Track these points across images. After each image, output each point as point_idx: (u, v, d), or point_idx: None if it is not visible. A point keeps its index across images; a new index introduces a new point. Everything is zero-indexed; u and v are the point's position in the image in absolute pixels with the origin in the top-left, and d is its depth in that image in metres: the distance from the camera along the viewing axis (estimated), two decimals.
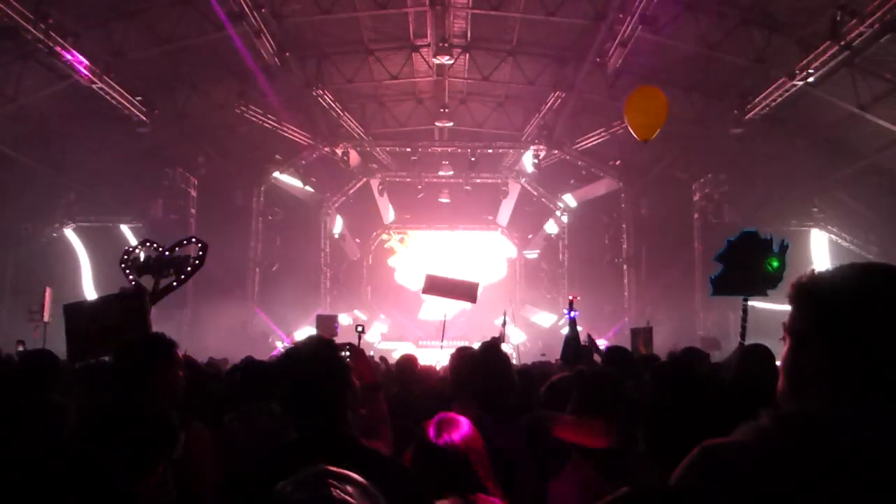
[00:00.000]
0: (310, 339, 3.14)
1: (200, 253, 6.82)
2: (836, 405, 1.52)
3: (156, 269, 6.69)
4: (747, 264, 6.13)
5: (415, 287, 26.71)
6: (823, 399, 1.54)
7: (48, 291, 15.57)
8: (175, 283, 6.71)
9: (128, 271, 6.79)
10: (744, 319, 6.27)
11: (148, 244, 7.09)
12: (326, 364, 2.78)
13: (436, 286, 14.79)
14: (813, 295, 1.65)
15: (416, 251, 29.55)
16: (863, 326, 1.56)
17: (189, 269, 6.73)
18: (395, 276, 29.32)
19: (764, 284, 6.06)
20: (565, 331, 8.83)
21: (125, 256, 6.93)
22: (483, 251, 29.37)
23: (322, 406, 2.71)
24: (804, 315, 1.65)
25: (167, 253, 6.81)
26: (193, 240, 7.17)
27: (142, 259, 6.84)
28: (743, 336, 6.53)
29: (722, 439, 1.58)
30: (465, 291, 14.91)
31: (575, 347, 8.04)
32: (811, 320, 1.63)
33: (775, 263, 6.14)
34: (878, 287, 1.60)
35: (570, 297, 9.13)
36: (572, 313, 8.76)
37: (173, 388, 3.76)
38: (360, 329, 10.07)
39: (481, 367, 4.04)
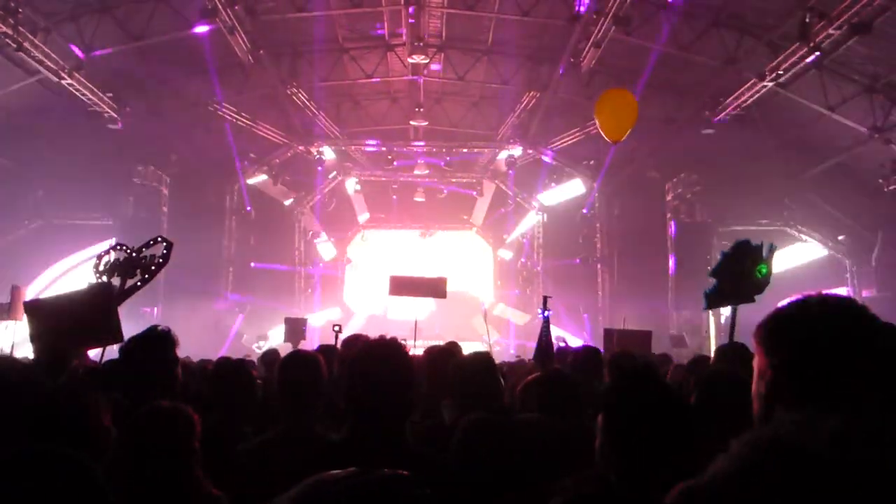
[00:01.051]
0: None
1: (165, 251, 6.81)
2: (809, 427, 1.54)
3: (123, 269, 6.68)
4: (739, 273, 6.20)
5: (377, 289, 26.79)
6: (795, 423, 1.56)
7: (20, 290, 15.30)
8: (139, 283, 6.70)
9: (99, 276, 6.78)
10: (732, 326, 6.31)
11: (118, 247, 7.08)
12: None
13: (402, 286, 14.74)
14: (777, 337, 1.74)
15: (381, 251, 29.49)
16: (831, 357, 1.66)
17: (153, 267, 6.73)
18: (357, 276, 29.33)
19: (752, 290, 6.14)
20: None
21: (97, 261, 6.93)
22: (457, 251, 29.40)
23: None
24: (773, 354, 1.73)
25: (135, 254, 6.80)
26: (160, 239, 7.15)
27: (111, 263, 6.83)
28: (731, 339, 6.61)
29: (700, 479, 1.53)
30: (433, 288, 14.87)
31: (547, 347, 8.04)
32: (780, 360, 1.71)
33: (764, 269, 6.23)
34: (835, 323, 1.70)
35: (544, 297, 9.11)
36: (546, 313, 8.73)
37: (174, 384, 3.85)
38: (336, 329, 10.03)
39: (470, 370, 4.04)
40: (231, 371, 4.74)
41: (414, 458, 2.66)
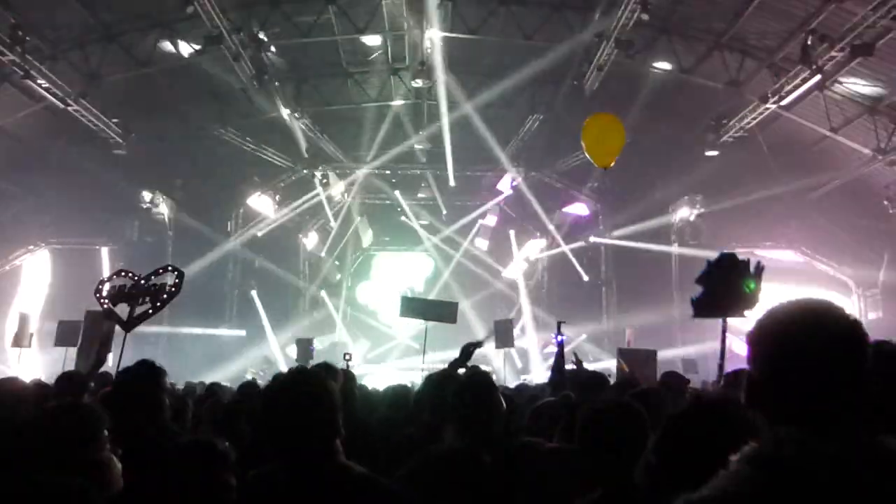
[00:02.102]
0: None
1: (177, 280, 6.84)
2: (807, 446, 1.52)
3: (131, 296, 6.69)
4: (726, 286, 6.23)
5: (387, 309, 26.74)
6: (794, 441, 1.54)
7: (28, 318, 15.33)
8: (150, 311, 6.72)
9: (103, 301, 6.79)
10: (723, 340, 6.32)
11: (123, 273, 7.09)
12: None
13: (412, 308, 14.56)
14: (765, 340, 1.69)
15: (388, 273, 29.48)
16: (814, 365, 1.61)
17: (165, 296, 6.75)
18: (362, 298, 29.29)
19: (742, 305, 6.15)
20: (550, 350, 8.78)
21: (100, 286, 6.93)
22: (463, 273, 29.35)
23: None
24: (760, 360, 1.69)
25: (143, 281, 6.81)
26: (170, 268, 7.18)
27: (117, 288, 6.84)
28: (722, 357, 6.59)
29: (704, 493, 1.55)
30: (444, 312, 14.67)
31: (563, 372, 7.94)
32: (768, 365, 1.67)
33: (752, 285, 6.24)
34: (821, 327, 1.66)
35: (558, 322, 8.98)
36: (560, 338, 8.62)
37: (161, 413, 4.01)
38: (347, 357, 10.03)
39: (467, 395, 3.96)
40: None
41: (352, 479, 2.75)
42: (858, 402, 1.61)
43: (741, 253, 6.54)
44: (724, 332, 6.34)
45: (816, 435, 1.54)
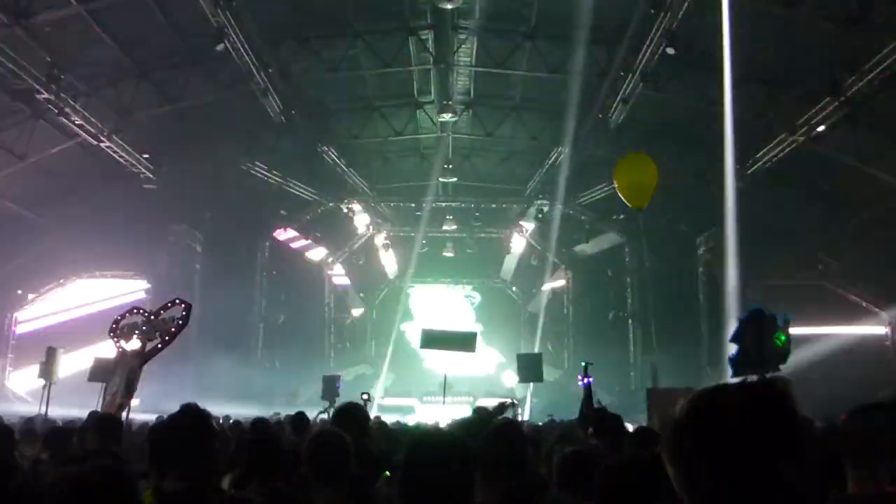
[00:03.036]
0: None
1: (184, 313, 6.93)
2: None
3: (143, 332, 6.79)
4: (759, 341, 6.21)
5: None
6: None
7: (56, 351, 15.44)
8: (160, 346, 6.81)
9: (116, 339, 6.89)
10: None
11: (136, 311, 7.20)
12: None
13: (433, 339, 14.72)
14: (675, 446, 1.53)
15: (418, 306, 29.48)
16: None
17: (173, 329, 6.84)
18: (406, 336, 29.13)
19: (777, 359, 6.14)
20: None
21: (114, 325, 7.04)
22: (486, 305, 29.31)
23: None
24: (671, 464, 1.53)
25: (153, 317, 6.91)
26: (178, 301, 7.27)
27: (128, 327, 6.95)
28: None
29: None
30: (464, 342, 14.78)
31: (591, 414, 7.77)
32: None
33: (783, 338, 6.22)
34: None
35: (585, 364, 8.85)
36: (587, 379, 8.49)
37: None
38: (365, 397, 9.98)
39: (494, 445, 3.88)
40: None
41: None
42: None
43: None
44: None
45: None
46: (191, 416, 3.60)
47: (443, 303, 29.34)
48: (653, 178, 13.20)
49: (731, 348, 6.41)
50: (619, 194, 13.76)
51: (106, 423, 5.28)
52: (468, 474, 2.71)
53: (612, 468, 3.08)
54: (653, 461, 3.06)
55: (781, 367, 6.01)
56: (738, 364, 6.34)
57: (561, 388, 23.10)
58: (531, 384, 18.05)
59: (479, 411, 5.52)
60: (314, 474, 3.85)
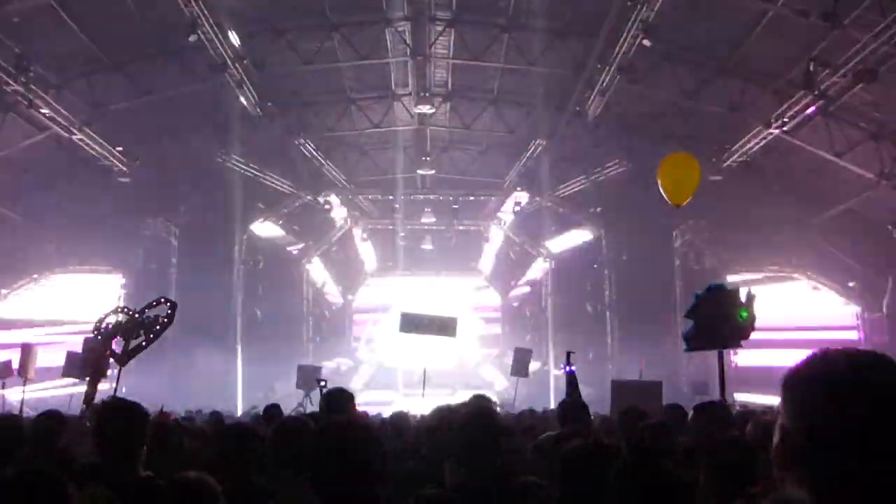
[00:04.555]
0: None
1: (169, 312, 6.86)
2: None
3: (126, 331, 6.71)
4: (717, 317, 6.19)
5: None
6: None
7: (32, 348, 15.20)
8: (144, 344, 6.74)
9: (99, 337, 6.80)
10: (721, 371, 6.27)
11: (119, 309, 7.12)
12: None
13: (412, 323, 14.61)
14: (801, 393, 1.52)
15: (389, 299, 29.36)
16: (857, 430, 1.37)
17: (158, 327, 6.77)
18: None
19: (738, 335, 6.11)
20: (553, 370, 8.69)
21: (97, 324, 6.95)
22: (465, 298, 29.28)
23: None
24: (791, 414, 1.52)
25: (137, 315, 6.83)
26: (163, 300, 7.20)
27: (112, 325, 6.86)
28: (722, 389, 6.52)
29: None
30: (444, 326, 14.69)
31: (574, 404, 7.62)
32: (799, 421, 1.50)
33: (744, 314, 6.21)
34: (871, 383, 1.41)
35: (567, 353, 8.80)
36: (569, 368, 8.45)
37: None
38: (322, 383, 9.81)
39: (466, 430, 3.91)
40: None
41: None
42: None
43: (746, 280, 6.56)
44: (720, 362, 6.30)
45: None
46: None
47: (421, 295, 29.24)
48: (696, 177, 13.58)
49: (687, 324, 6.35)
50: (662, 190, 14.00)
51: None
52: (368, 457, 2.96)
53: (572, 452, 3.14)
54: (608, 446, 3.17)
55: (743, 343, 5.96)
56: (691, 339, 6.29)
57: (539, 382, 23.14)
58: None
59: (479, 399, 5.56)
60: (276, 462, 3.88)
